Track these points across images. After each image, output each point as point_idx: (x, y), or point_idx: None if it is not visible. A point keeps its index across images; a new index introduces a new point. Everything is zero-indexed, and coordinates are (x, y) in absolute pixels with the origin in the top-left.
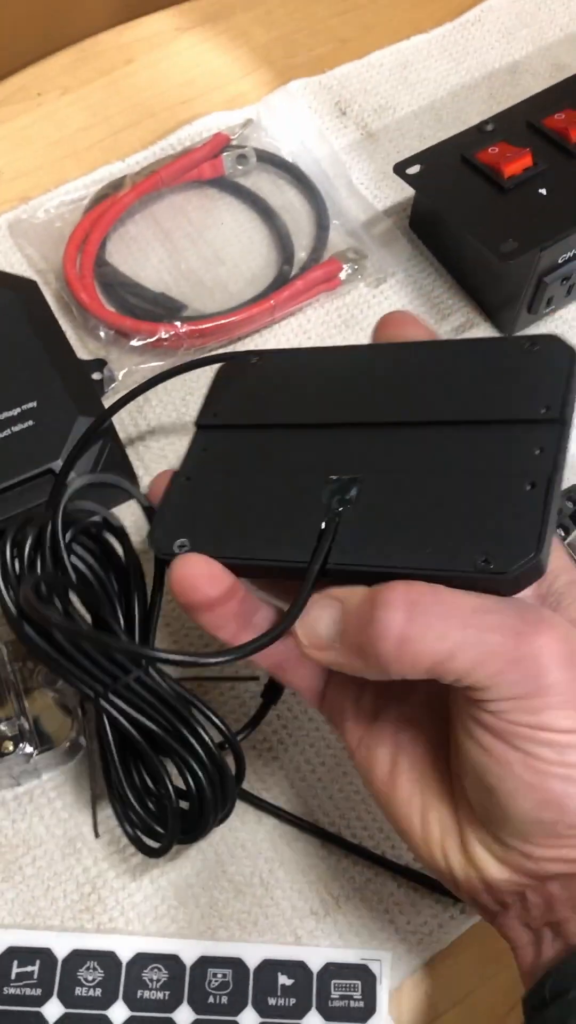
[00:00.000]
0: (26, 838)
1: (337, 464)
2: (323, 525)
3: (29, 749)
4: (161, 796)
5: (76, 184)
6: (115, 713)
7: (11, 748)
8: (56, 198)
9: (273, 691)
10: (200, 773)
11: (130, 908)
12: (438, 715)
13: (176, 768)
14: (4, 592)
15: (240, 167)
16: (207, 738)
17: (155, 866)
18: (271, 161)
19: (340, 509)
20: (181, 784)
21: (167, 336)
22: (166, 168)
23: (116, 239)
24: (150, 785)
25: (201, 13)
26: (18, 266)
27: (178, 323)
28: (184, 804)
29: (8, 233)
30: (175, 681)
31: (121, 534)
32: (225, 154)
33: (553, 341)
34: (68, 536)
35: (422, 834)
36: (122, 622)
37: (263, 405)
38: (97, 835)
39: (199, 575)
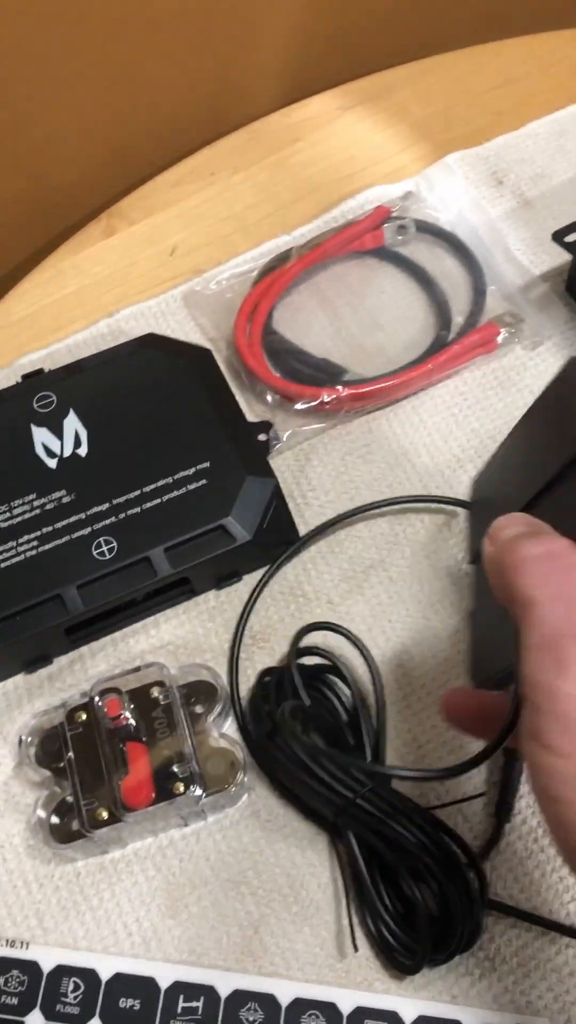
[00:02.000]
0: (192, 878)
1: None
2: None
3: (199, 792)
4: (417, 911)
5: (245, 257)
6: (358, 826)
7: (182, 790)
8: (227, 271)
9: (505, 809)
10: (449, 891)
11: (290, 953)
12: None
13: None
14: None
15: (400, 237)
16: (459, 857)
17: (316, 915)
18: (429, 231)
19: None
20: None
21: (329, 399)
22: (330, 240)
23: (282, 308)
24: (397, 904)
25: (362, 93)
26: (192, 334)
27: (339, 387)
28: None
29: (183, 304)
30: (416, 803)
31: (343, 675)
32: (386, 225)
33: None
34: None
35: None
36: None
37: None
38: (356, 949)
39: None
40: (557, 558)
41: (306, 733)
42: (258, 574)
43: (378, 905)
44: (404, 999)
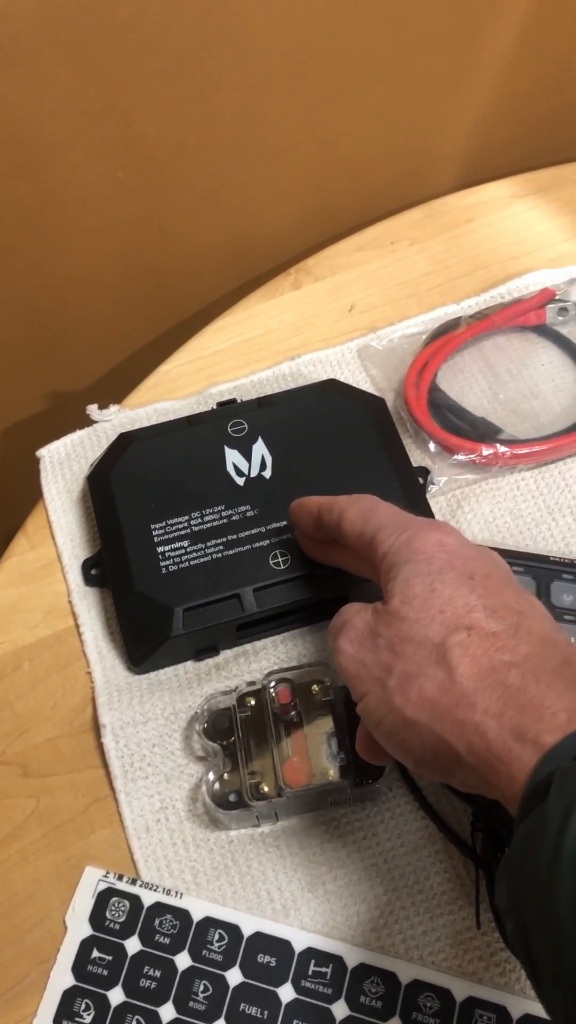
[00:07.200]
0: (330, 859)
1: None
2: None
3: (349, 783)
4: None
5: (416, 320)
6: (494, 822)
7: (336, 776)
8: (399, 331)
9: None
10: None
11: (412, 939)
12: None
13: None
14: None
15: (560, 318)
16: None
17: (437, 908)
18: None
19: None
20: None
21: (486, 455)
22: (497, 314)
23: (447, 369)
24: None
25: (535, 184)
26: (362, 383)
27: (497, 445)
28: None
29: (357, 356)
30: None
31: None
32: (549, 306)
33: None
34: None
35: None
36: None
37: None
38: (479, 927)
39: None
40: None
41: None
42: None
43: None
44: (513, 996)
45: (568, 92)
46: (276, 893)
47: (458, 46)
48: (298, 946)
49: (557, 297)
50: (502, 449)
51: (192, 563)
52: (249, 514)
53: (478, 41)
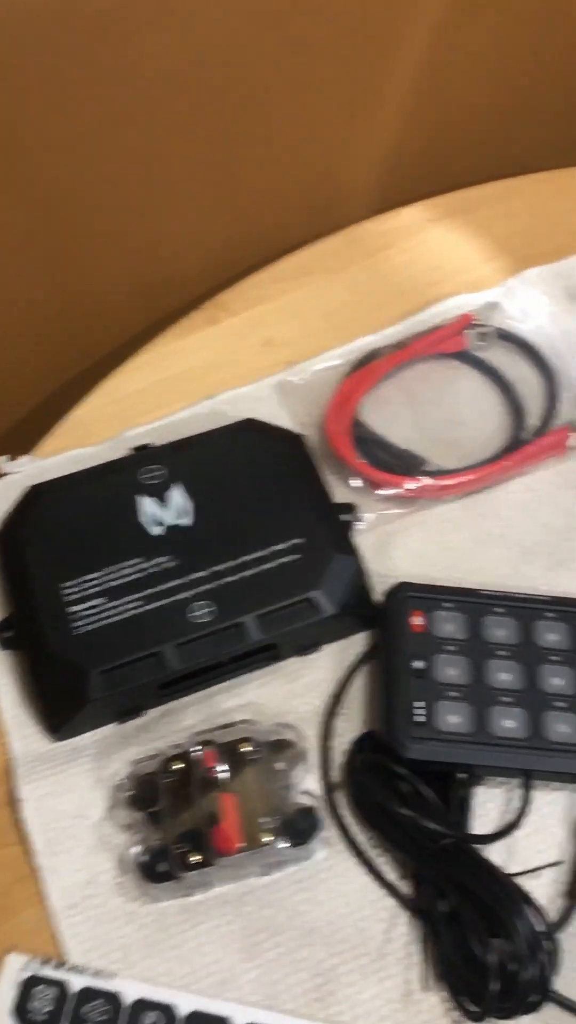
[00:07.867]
0: (268, 924)
1: None
2: None
3: (283, 844)
4: (488, 963)
5: (335, 352)
6: (435, 875)
7: (268, 840)
8: (318, 364)
9: None
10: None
11: (358, 1004)
12: None
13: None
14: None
15: (481, 343)
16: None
17: (383, 968)
18: (508, 339)
19: None
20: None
21: (412, 488)
22: (417, 342)
23: (369, 400)
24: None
25: (449, 207)
26: (283, 419)
27: (422, 477)
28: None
29: (276, 391)
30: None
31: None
32: (468, 331)
33: None
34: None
35: None
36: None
37: None
38: (428, 986)
39: None
40: None
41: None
42: (336, 645)
43: (451, 950)
44: None
45: (474, 118)
46: (214, 966)
47: (360, 75)
48: (238, 1023)
49: (476, 322)
50: (428, 481)
51: (108, 621)
52: (167, 565)
53: (380, 69)
